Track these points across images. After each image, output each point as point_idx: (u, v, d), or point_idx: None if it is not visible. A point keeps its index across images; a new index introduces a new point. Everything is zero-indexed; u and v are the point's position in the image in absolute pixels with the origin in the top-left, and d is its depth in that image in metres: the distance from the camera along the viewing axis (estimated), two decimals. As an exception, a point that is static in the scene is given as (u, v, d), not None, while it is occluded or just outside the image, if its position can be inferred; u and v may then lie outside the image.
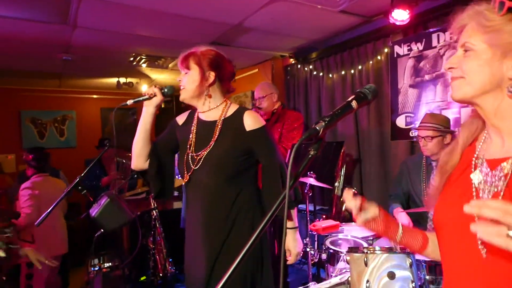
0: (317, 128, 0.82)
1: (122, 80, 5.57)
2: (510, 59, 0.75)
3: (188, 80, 1.58)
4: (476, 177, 0.80)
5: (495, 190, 0.76)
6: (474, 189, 0.79)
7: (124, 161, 4.40)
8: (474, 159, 0.83)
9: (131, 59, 4.39)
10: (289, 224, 1.66)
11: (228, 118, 1.60)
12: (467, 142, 0.89)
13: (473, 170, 0.82)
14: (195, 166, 1.57)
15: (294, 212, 1.68)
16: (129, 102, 1.61)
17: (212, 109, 1.62)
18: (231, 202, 1.56)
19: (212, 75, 1.58)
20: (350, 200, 0.98)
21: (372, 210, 0.99)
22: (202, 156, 1.56)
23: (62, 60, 4.19)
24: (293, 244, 1.66)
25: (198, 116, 1.67)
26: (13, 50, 3.85)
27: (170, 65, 4.80)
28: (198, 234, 1.59)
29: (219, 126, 1.58)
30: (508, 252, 0.60)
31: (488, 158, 0.81)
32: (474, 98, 0.80)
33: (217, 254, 1.55)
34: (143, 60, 4.48)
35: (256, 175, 1.66)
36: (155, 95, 1.62)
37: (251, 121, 1.57)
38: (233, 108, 1.63)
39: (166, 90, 1.64)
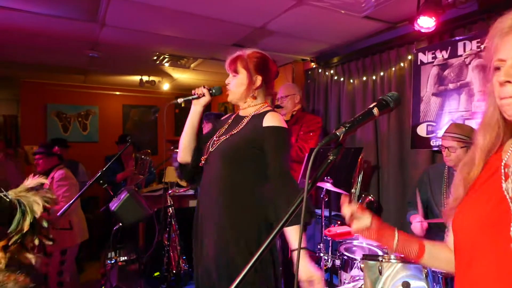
0: (338, 133, 0.83)
1: (145, 78, 5.69)
2: None
3: (236, 83, 1.67)
4: (510, 186, 0.78)
5: None
6: (508, 199, 0.78)
7: (143, 157, 4.50)
8: (503, 167, 0.82)
9: (155, 58, 4.47)
10: (296, 244, 1.35)
11: (257, 115, 1.66)
12: (491, 150, 0.87)
13: (503, 178, 0.80)
14: (212, 148, 1.65)
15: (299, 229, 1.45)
16: (180, 100, 1.73)
17: (251, 106, 1.71)
18: (235, 188, 1.57)
19: (259, 80, 1.66)
20: (345, 207, 1.00)
21: (365, 221, 1.00)
22: (219, 141, 1.65)
23: (89, 56, 4.32)
24: (309, 268, 1.40)
25: (238, 113, 1.77)
26: (42, 46, 3.99)
27: (192, 65, 4.87)
28: (203, 213, 1.65)
29: (247, 120, 1.66)
30: None
31: None
32: None
33: (221, 234, 1.56)
34: (166, 60, 4.57)
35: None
36: (203, 95, 1.72)
37: (270, 119, 1.60)
38: (266, 108, 1.69)
39: (214, 91, 1.75)
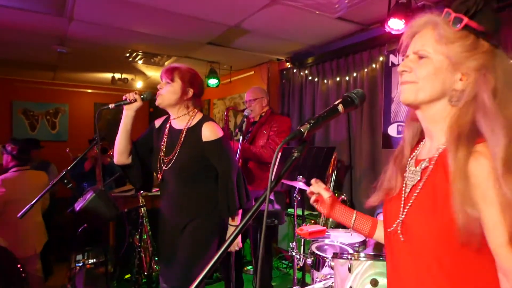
0: (302, 130, 0.82)
1: (117, 75, 5.54)
2: (458, 71, 0.81)
3: (169, 90, 1.81)
4: (406, 174, 0.91)
5: (413, 183, 0.87)
6: (404, 185, 0.91)
7: (109, 159, 4.35)
8: (409, 159, 0.93)
9: (127, 55, 4.36)
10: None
11: (191, 128, 1.84)
12: (413, 141, 0.96)
13: (407, 169, 0.93)
14: (166, 167, 1.83)
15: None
16: (111, 105, 1.81)
17: (181, 116, 1.87)
18: (195, 198, 1.85)
19: (191, 92, 1.85)
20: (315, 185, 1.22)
21: (322, 192, 1.19)
22: (170, 160, 1.82)
23: (57, 52, 4.16)
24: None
25: (170, 124, 1.92)
26: (8, 39, 3.81)
27: (166, 63, 4.78)
28: (166, 222, 1.92)
29: (183, 135, 1.83)
30: (417, 237, 0.82)
31: (418, 158, 0.91)
32: (423, 103, 0.85)
33: (179, 237, 1.85)
34: (139, 57, 4.46)
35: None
36: (135, 101, 1.81)
37: (207, 133, 1.79)
38: (197, 117, 1.87)
39: (145, 95, 1.85)
